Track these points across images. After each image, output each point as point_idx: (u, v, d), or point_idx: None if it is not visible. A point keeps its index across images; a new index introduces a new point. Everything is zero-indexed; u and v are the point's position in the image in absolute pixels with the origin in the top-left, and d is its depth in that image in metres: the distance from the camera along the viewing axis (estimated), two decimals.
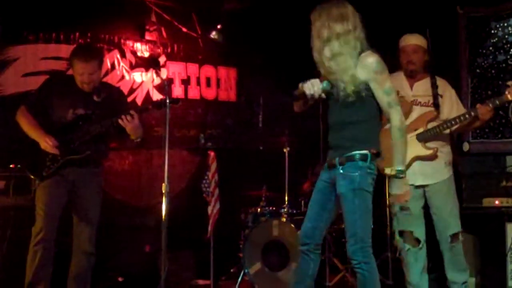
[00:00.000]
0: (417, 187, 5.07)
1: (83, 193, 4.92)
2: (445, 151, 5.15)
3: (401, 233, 5.19)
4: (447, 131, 5.07)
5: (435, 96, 5.08)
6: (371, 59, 3.88)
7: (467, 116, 4.93)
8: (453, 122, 4.99)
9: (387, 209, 6.52)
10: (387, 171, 4.99)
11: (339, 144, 3.99)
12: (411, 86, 5.21)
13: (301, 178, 6.93)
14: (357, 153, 3.89)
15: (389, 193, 5.20)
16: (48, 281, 4.79)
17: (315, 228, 4.07)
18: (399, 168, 3.88)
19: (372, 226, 3.95)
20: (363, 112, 3.92)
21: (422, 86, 5.18)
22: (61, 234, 4.93)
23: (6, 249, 5.19)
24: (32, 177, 4.87)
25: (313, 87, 3.94)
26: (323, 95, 4.00)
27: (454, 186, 5.22)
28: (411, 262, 5.19)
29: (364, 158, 3.88)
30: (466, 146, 6.33)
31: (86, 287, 4.97)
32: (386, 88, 3.88)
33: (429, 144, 5.05)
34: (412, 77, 5.21)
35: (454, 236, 5.10)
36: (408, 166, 4.94)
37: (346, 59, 3.88)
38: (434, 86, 5.10)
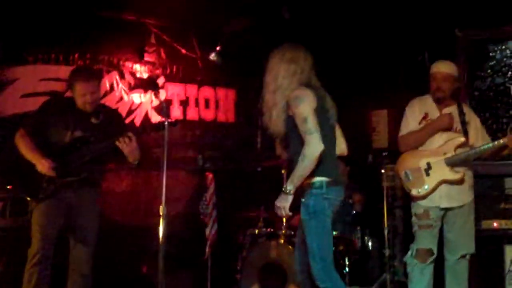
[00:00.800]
0: (442, 209, 5.20)
1: (80, 215, 4.92)
2: (469, 175, 5.28)
3: (417, 251, 5.25)
4: (476, 157, 5.22)
5: (463, 123, 5.23)
6: (291, 94, 4.07)
7: (496, 143, 5.09)
8: (483, 150, 5.13)
9: (385, 230, 6.53)
10: (414, 192, 5.20)
11: None
12: (440, 111, 5.31)
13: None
14: (310, 181, 4.06)
15: (413, 213, 5.30)
16: None
17: (300, 260, 4.30)
18: (287, 186, 4.03)
19: (331, 247, 4.16)
20: (300, 148, 4.03)
21: (450, 112, 5.27)
22: (58, 255, 4.92)
23: (2, 271, 5.16)
24: (28, 199, 4.86)
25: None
26: None
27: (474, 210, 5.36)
28: (416, 277, 5.24)
29: (318, 186, 4.05)
30: None
31: None
32: (301, 117, 4.00)
33: (457, 169, 5.16)
34: (439, 103, 5.32)
35: (464, 256, 5.24)
36: (435, 188, 5.16)
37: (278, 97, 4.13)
38: (461, 113, 5.27)
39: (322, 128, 4.01)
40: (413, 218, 5.31)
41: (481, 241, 5.46)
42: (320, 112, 4.03)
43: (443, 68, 5.32)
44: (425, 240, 5.23)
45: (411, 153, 5.31)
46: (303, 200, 4.10)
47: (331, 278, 4.01)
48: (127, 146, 4.77)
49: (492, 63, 6.78)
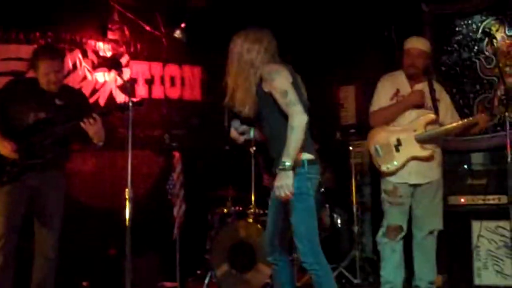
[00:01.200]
0: (410, 185, 5.22)
1: (45, 198, 4.82)
2: (438, 152, 5.30)
3: (388, 228, 5.27)
4: (446, 134, 5.29)
5: (434, 100, 5.24)
6: (264, 70, 3.95)
7: (466, 121, 5.15)
8: (452, 127, 5.18)
9: (354, 207, 6.55)
10: (383, 168, 5.22)
11: (274, 156, 4.02)
12: (411, 87, 5.31)
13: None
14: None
15: (383, 190, 5.31)
16: None
17: (273, 238, 4.16)
18: (284, 161, 3.78)
19: (317, 227, 4.00)
20: (281, 123, 3.90)
21: (421, 89, 5.27)
22: (22, 239, 4.82)
23: None
24: None
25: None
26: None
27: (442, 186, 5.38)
28: (388, 255, 5.27)
29: (301, 164, 3.90)
30: None
31: None
32: (280, 91, 3.88)
33: (426, 146, 5.18)
34: (412, 79, 5.31)
35: (431, 232, 5.28)
36: (404, 164, 5.18)
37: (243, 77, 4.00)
38: (432, 90, 5.27)
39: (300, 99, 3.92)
40: (383, 195, 5.33)
41: (449, 217, 5.49)
42: (295, 88, 3.92)
43: (418, 44, 5.32)
44: (395, 217, 5.26)
45: (381, 128, 5.31)
46: None
47: (318, 260, 3.91)
48: (92, 127, 4.68)
49: (459, 37, 6.79)
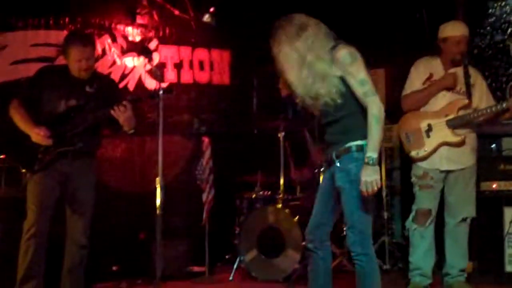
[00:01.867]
0: (442, 171, 5.18)
1: (76, 186, 4.84)
2: (471, 137, 5.24)
3: (417, 212, 5.25)
4: (477, 120, 5.14)
5: (468, 85, 5.11)
6: (341, 53, 3.75)
7: (498, 107, 5.02)
8: (484, 112, 5.07)
9: (383, 192, 6.51)
10: (413, 153, 5.19)
11: (333, 140, 3.92)
12: (446, 72, 5.25)
13: (295, 164, 6.86)
14: (352, 144, 3.80)
15: (413, 174, 5.29)
16: (41, 276, 4.72)
17: (318, 226, 4.06)
18: (371, 155, 3.67)
19: (372, 217, 3.87)
20: (350, 106, 3.80)
21: (454, 72, 5.21)
22: (55, 225, 4.85)
23: None
24: (23, 170, 4.79)
25: None
26: None
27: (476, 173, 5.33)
28: (417, 241, 5.26)
29: (359, 148, 3.77)
30: None
31: (80, 280, 4.92)
32: (360, 79, 3.73)
33: (458, 131, 5.11)
34: (456, 65, 5.22)
35: (464, 220, 5.24)
36: (435, 150, 5.14)
37: (320, 66, 3.77)
38: (467, 75, 5.13)
39: None
40: (413, 179, 5.30)
41: (480, 203, 5.44)
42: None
43: (463, 30, 5.25)
44: (425, 200, 5.23)
45: (412, 114, 5.27)
46: (338, 164, 3.83)
47: (366, 252, 3.80)
48: (123, 115, 4.67)
49: (492, 19, 6.69)
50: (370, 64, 7.79)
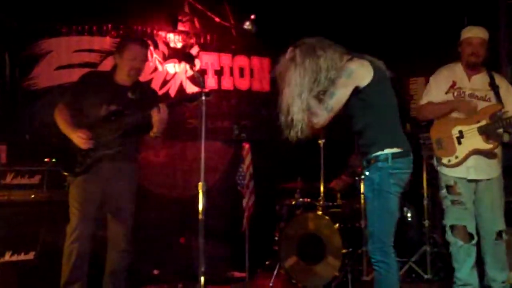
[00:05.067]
0: (470, 181, 5.04)
1: (116, 190, 4.85)
2: (498, 147, 5.08)
3: (452, 228, 5.10)
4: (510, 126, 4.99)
5: (496, 91, 5.04)
6: (348, 64, 3.91)
7: None
8: None
9: (424, 201, 6.44)
10: (444, 161, 5.06)
11: (363, 150, 4.02)
12: (469, 78, 5.16)
13: (336, 171, 6.83)
14: (376, 154, 3.89)
15: (443, 185, 5.14)
16: (84, 280, 4.75)
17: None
18: None
19: (393, 227, 3.91)
20: (366, 117, 3.90)
21: (480, 80, 5.15)
22: (98, 228, 4.89)
23: (40, 245, 5.15)
24: (65, 173, 4.84)
25: None
26: None
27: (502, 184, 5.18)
28: (463, 258, 5.08)
29: (384, 159, 3.86)
30: None
31: (121, 284, 4.94)
32: (332, 92, 3.88)
33: (490, 138, 4.98)
34: (471, 69, 5.16)
35: (499, 234, 5.06)
36: (466, 158, 4.99)
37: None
38: (492, 79, 5.09)
39: (385, 94, 3.94)
40: (443, 191, 5.13)
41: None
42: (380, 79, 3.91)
43: (479, 33, 5.16)
44: (456, 216, 5.08)
45: (444, 119, 5.14)
46: (367, 173, 3.94)
47: (386, 260, 3.84)
48: (156, 115, 4.67)
49: None
50: (411, 72, 7.81)
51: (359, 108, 3.90)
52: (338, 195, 6.68)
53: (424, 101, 5.26)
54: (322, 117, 3.86)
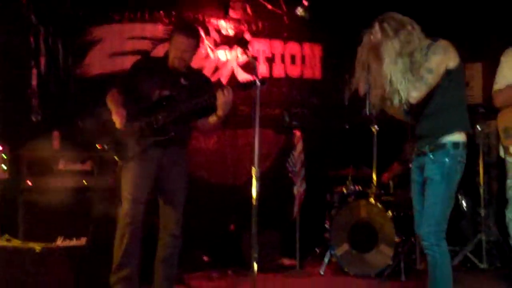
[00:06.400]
0: None
1: (168, 175, 4.84)
2: None
3: None
4: None
5: None
6: (438, 43, 3.86)
7: None
8: None
9: (480, 189, 6.31)
10: None
11: (427, 133, 3.96)
12: None
13: (389, 159, 6.73)
14: (448, 140, 3.85)
15: (508, 176, 4.96)
16: (136, 265, 4.74)
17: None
18: None
19: (448, 214, 3.88)
20: (445, 99, 3.86)
21: None
22: (150, 214, 4.89)
23: (92, 231, 5.19)
24: (117, 158, 4.85)
25: None
26: None
27: None
28: None
29: (456, 145, 3.85)
30: None
31: (173, 270, 4.93)
32: (428, 67, 3.79)
33: None
34: None
35: None
36: None
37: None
38: None
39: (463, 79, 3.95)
40: (510, 181, 4.95)
41: None
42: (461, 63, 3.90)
43: None
44: None
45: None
46: (432, 157, 3.88)
47: (440, 244, 3.83)
48: (223, 97, 4.64)
49: None
50: (467, 58, 7.64)
51: (441, 88, 3.84)
52: (391, 184, 6.59)
53: (499, 85, 4.95)
54: (420, 90, 3.78)
